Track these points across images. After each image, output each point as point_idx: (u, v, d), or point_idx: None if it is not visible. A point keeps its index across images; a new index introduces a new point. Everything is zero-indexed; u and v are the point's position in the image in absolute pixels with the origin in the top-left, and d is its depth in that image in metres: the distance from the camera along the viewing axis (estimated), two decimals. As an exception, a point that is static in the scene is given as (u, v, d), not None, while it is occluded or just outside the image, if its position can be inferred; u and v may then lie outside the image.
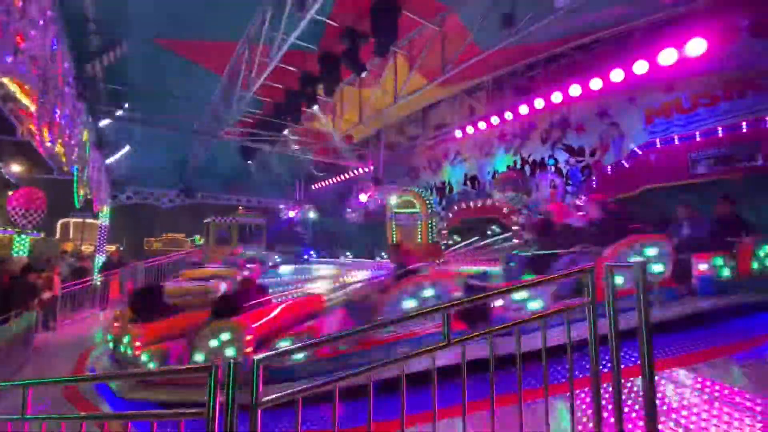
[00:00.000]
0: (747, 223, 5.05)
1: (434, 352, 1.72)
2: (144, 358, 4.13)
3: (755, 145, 6.54)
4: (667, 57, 6.30)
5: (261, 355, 1.49)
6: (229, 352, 3.61)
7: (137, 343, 4.33)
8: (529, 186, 9.86)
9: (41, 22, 4.05)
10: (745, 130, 6.57)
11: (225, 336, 3.71)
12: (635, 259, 4.17)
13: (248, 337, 3.73)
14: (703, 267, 4.54)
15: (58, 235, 25.30)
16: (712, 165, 7.04)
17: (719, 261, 4.59)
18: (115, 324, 5.44)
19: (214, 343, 3.68)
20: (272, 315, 4.52)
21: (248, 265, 11.22)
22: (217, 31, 6.61)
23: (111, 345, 5.17)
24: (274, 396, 1.53)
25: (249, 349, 3.57)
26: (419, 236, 12.32)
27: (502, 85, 9.83)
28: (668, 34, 6.43)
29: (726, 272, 4.58)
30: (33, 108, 4.01)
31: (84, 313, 9.97)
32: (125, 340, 4.58)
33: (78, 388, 4.41)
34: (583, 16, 6.37)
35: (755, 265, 4.75)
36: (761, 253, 4.85)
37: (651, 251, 4.35)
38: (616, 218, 5.13)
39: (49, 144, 5.13)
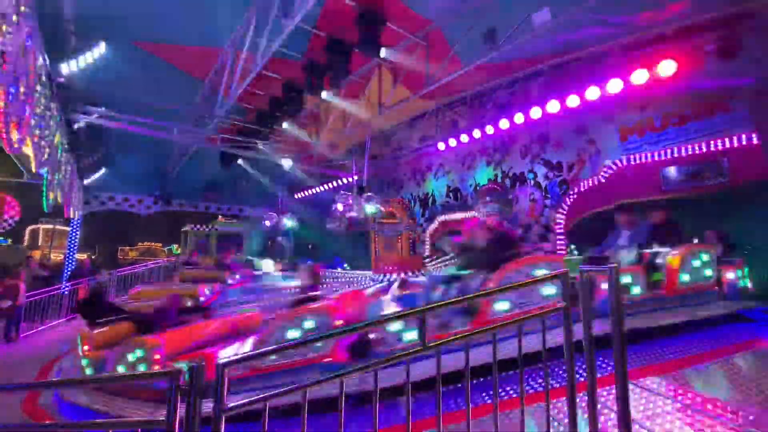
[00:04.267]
0: (682, 230, 5.28)
1: (411, 356, 1.68)
2: (83, 363, 4.28)
3: (721, 164, 6.86)
4: (639, 77, 6.56)
5: (225, 360, 1.42)
6: (141, 367, 3.86)
7: (85, 347, 4.46)
8: (511, 199, 10.03)
9: (15, 17, 3.92)
10: (712, 150, 6.88)
11: (138, 352, 3.95)
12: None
13: (157, 356, 3.92)
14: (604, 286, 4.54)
15: (26, 242, 24.25)
16: (682, 181, 7.32)
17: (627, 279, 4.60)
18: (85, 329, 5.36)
19: (131, 357, 3.93)
20: (198, 333, 4.70)
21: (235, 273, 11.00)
22: (199, 36, 6.55)
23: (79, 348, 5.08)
24: (239, 402, 1.46)
25: (156, 367, 3.83)
26: (401, 247, 12.31)
27: (483, 99, 10.04)
28: (640, 55, 6.73)
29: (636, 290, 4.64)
30: (0, 104, 3.85)
31: (50, 322, 9.50)
32: (78, 344, 4.71)
33: (38, 401, 4.18)
34: (560, 36, 6.61)
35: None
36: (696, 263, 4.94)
37: (540, 273, 4.21)
38: (503, 242, 4.91)
39: (16, 144, 4.91)
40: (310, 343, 2.44)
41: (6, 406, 3.99)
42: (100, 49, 6.06)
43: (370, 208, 10.77)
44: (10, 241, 21.86)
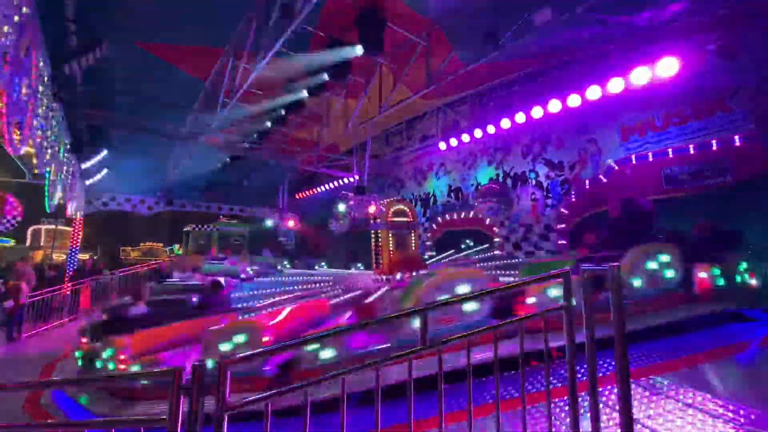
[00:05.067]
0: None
1: (410, 355, 1.68)
2: (136, 368, 3.83)
3: (723, 163, 6.84)
4: (640, 76, 6.55)
5: (227, 358, 1.42)
6: (189, 365, 3.41)
7: (122, 356, 3.98)
8: (511, 198, 10.02)
9: (16, 18, 3.94)
10: (713, 149, 6.88)
11: (240, 338, 3.36)
12: (651, 264, 4.46)
13: (266, 338, 3.40)
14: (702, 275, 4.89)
15: (28, 243, 24.28)
16: (683, 180, 7.31)
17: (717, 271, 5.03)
18: (83, 339, 5.08)
19: (226, 346, 3.34)
20: (282, 316, 4.17)
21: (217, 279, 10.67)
22: (201, 36, 6.56)
23: (80, 363, 4.82)
24: (241, 401, 1.46)
25: (208, 363, 3.38)
26: (413, 245, 12.28)
27: (485, 99, 10.03)
28: (641, 55, 6.71)
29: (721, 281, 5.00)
30: (1, 105, 3.86)
31: (52, 322, 9.53)
32: (105, 354, 4.19)
33: (39, 401, 4.18)
34: (561, 35, 6.60)
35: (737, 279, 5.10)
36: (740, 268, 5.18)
37: (664, 258, 4.73)
38: (638, 220, 5.49)
39: (19, 145, 4.92)
40: (325, 338, 2.42)
41: (7, 405, 3.99)
42: (102, 49, 6.06)
43: (372, 208, 10.74)
44: (13, 241, 21.92)
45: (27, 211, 11.93)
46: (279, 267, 13.06)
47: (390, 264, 10.83)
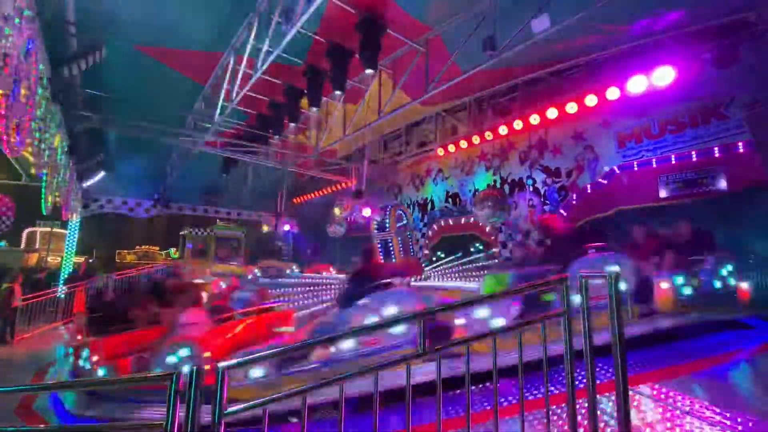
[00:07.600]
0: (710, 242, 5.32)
1: (409, 361, 1.67)
2: (101, 373, 4.05)
3: (718, 171, 6.90)
4: (636, 84, 6.62)
5: (225, 363, 1.42)
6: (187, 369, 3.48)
7: (95, 358, 4.21)
8: (509, 204, 10.05)
9: (17, 20, 3.94)
10: (708, 157, 6.94)
11: (183, 352, 3.64)
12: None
13: (206, 354, 3.66)
14: (665, 285, 4.67)
15: (23, 245, 24.07)
16: (679, 188, 7.36)
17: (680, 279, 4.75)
18: (78, 337, 5.19)
19: (172, 359, 3.62)
20: (235, 331, 4.43)
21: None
22: (200, 40, 6.58)
23: (71, 359, 4.91)
24: (239, 407, 1.45)
25: (207, 367, 3.44)
26: (401, 250, 12.28)
27: (483, 105, 10.10)
28: (638, 63, 6.79)
29: (687, 291, 4.73)
30: (1, 107, 3.86)
31: (45, 326, 9.44)
32: (83, 354, 4.40)
33: (32, 404, 4.14)
34: (559, 43, 6.67)
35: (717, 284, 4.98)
36: (723, 272, 5.08)
37: (612, 267, 4.46)
38: (572, 238, 5.34)
39: (16, 147, 4.90)
40: (319, 344, 2.41)
41: (0, 409, 3.94)
42: (102, 52, 6.07)
43: (367, 211, 10.75)
44: (6, 243, 21.73)
45: (23, 214, 11.87)
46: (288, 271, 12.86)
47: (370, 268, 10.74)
